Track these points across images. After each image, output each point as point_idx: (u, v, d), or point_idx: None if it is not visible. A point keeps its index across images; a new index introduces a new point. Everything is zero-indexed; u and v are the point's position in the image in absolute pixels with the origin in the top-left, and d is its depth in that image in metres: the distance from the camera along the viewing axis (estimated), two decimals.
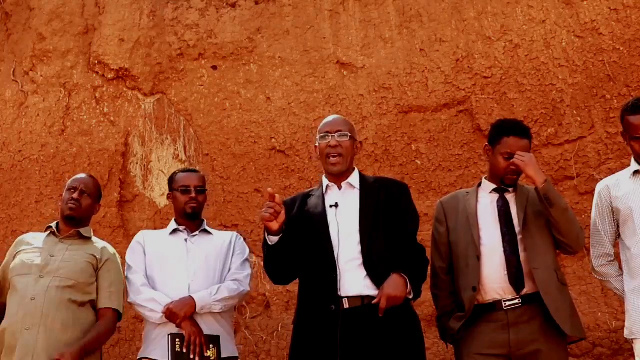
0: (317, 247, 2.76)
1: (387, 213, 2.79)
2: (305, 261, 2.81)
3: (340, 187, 2.88)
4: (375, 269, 2.67)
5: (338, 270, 2.68)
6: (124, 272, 3.19)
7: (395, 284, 2.59)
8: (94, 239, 3.23)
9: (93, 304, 3.06)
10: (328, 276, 2.69)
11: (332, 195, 2.87)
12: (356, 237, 2.73)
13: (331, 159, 2.82)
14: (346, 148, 2.83)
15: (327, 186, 2.90)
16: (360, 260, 2.69)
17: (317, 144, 2.94)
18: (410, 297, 2.69)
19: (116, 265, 3.18)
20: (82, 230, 3.16)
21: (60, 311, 2.89)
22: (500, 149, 2.90)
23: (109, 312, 3.07)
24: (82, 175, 3.32)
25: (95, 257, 3.10)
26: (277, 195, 2.67)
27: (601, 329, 3.98)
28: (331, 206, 2.81)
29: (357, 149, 2.94)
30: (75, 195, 3.14)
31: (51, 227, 3.17)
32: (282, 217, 2.67)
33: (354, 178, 2.89)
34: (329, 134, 2.85)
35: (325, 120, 2.99)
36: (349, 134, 2.86)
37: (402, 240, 2.79)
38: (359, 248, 2.71)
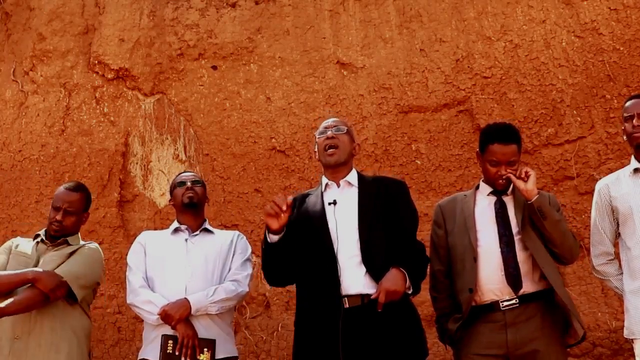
0: (317, 245, 2.76)
1: (386, 211, 2.81)
2: (305, 259, 2.80)
3: (339, 185, 2.91)
4: (374, 266, 2.66)
5: (338, 267, 2.68)
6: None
7: (394, 279, 2.58)
8: (82, 242, 3.26)
9: (87, 301, 3.09)
10: (329, 273, 2.68)
11: (331, 193, 2.90)
12: (355, 233, 2.73)
13: (328, 150, 2.89)
14: (343, 141, 2.91)
15: (326, 184, 2.93)
16: (360, 257, 2.69)
17: (316, 142, 3.00)
18: (410, 292, 2.69)
19: (87, 251, 3.17)
20: (70, 239, 3.19)
21: (48, 314, 2.91)
22: (487, 157, 2.91)
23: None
24: (67, 192, 3.21)
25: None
26: (289, 199, 2.69)
27: (601, 329, 3.98)
28: (330, 203, 2.83)
29: (355, 150, 3.00)
30: (58, 217, 3.15)
31: (39, 235, 3.20)
32: (285, 219, 2.69)
33: (352, 176, 2.93)
34: (327, 129, 2.95)
35: (323, 122, 3.07)
36: (346, 128, 2.96)
37: (401, 237, 2.78)
38: (358, 245, 2.71)
